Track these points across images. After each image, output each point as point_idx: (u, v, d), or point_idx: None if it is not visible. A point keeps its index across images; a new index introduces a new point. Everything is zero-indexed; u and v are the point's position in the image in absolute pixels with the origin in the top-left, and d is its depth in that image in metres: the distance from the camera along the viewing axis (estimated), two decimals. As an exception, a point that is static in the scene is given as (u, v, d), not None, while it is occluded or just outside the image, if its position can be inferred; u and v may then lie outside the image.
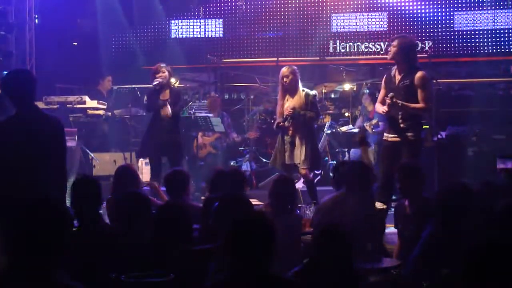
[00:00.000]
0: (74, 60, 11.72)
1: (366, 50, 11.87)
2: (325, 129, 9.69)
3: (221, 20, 12.60)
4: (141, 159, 10.18)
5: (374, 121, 9.51)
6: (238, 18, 12.43)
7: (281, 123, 7.58)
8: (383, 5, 11.96)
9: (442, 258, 3.79)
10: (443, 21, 11.75)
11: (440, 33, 11.81)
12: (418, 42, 11.73)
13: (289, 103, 7.57)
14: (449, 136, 9.83)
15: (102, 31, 12.25)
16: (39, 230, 2.79)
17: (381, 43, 11.66)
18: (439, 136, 9.31)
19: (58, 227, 2.85)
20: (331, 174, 7.91)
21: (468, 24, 11.68)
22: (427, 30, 11.83)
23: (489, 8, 11.55)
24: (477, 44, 11.61)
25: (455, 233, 3.97)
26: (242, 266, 3.00)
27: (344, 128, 9.35)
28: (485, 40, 11.59)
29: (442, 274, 3.65)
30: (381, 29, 11.89)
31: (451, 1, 11.71)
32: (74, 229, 4.04)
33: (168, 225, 4.02)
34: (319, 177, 9.21)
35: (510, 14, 11.51)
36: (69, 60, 11.69)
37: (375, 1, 11.97)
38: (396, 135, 6.71)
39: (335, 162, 9.13)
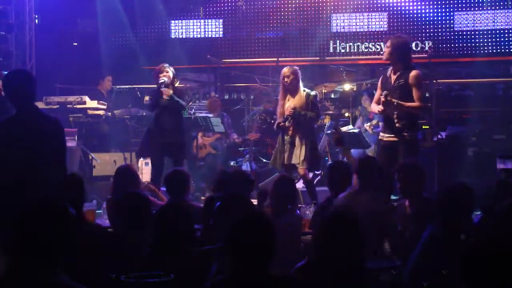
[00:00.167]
0: (74, 60, 11.72)
1: (366, 50, 11.87)
2: (325, 129, 9.69)
3: (221, 20, 12.60)
4: (141, 159, 10.19)
5: (374, 122, 9.52)
6: (238, 18, 12.43)
7: (282, 123, 7.58)
8: (383, 5, 11.96)
9: (442, 258, 3.79)
10: (443, 21, 11.76)
11: (440, 33, 11.81)
12: (418, 42, 11.75)
13: (290, 103, 7.57)
14: (449, 136, 9.84)
15: (102, 31, 12.26)
16: (41, 230, 2.79)
17: (381, 43, 11.65)
18: (439, 136, 9.32)
19: (59, 228, 2.84)
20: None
21: (468, 24, 11.68)
22: (427, 30, 11.83)
23: (489, 8, 11.55)
24: (477, 44, 11.61)
25: (455, 233, 3.97)
26: (242, 266, 3.00)
27: (344, 128, 9.34)
28: (485, 40, 11.59)
29: (442, 274, 3.65)
30: (381, 29, 11.89)
31: (451, 1, 11.71)
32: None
33: (169, 226, 4.02)
34: (319, 177, 9.21)
35: (510, 14, 11.51)
36: (69, 60, 11.69)
37: (375, 1, 11.97)
38: (391, 135, 6.74)
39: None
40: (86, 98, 10.52)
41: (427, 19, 11.80)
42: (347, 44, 12.02)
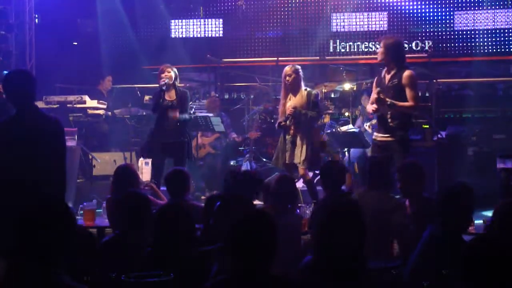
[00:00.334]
0: (74, 60, 11.72)
1: (366, 50, 11.87)
2: (325, 129, 9.69)
3: (221, 20, 12.60)
4: (141, 159, 10.18)
5: (374, 121, 9.50)
6: (238, 17, 12.43)
7: (283, 123, 7.58)
8: (383, 4, 11.96)
9: (442, 258, 3.79)
10: (443, 21, 11.76)
11: (440, 33, 11.81)
12: (418, 41, 11.76)
13: (291, 103, 7.57)
14: (449, 136, 9.84)
15: (102, 31, 12.26)
16: (41, 230, 2.78)
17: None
18: (439, 136, 9.32)
19: (60, 227, 2.84)
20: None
21: (468, 24, 11.68)
22: (427, 30, 11.83)
23: (489, 8, 11.55)
24: (477, 43, 11.61)
25: (455, 233, 3.97)
26: (243, 266, 2.99)
27: (344, 128, 9.35)
28: (485, 39, 11.59)
29: (442, 274, 3.64)
30: (381, 29, 11.88)
31: (451, 1, 11.71)
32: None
33: (170, 226, 4.02)
34: (319, 176, 9.19)
35: (510, 14, 11.51)
36: (69, 60, 11.69)
37: (375, 1, 11.97)
38: (385, 135, 6.76)
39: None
40: (86, 98, 10.53)
41: (427, 18, 11.80)
42: (347, 44, 12.02)
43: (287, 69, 7.66)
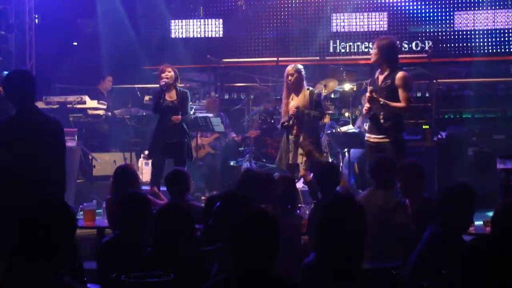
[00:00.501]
0: (74, 60, 11.72)
1: (366, 50, 11.87)
2: (325, 129, 9.68)
3: (221, 20, 12.60)
4: (141, 159, 10.20)
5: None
6: (238, 18, 12.43)
7: (286, 123, 7.58)
8: (383, 4, 11.97)
9: (442, 258, 3.79)
10: (443, 21, 11.76)
11: (440, 33, 11.82)
12: (418, 41, 11.76)
13: (294, 102, 7.57)
14: (449, 136, 9.83)
15: (102, 31, 12.25)
16: (42, 230, 2.78)
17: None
18: (439, 136, 9.31)
19: (60, 227, 2.84)
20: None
21: (468, 24, 11.68)
22: (427, 30, 11.84)
23: (489, 8, 11.55)
24: (477, 44, 11.61)
25: (455, 233, 3.97)
26: (245, 266, 2.98)
27: (344, 128, 9.34)
28: (485, 40, 11.60)
29: (442, 274, 3.64)
30: (381, 29, 11.89)
31: (451, 1, 11.71)
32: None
33: (170, 226, 4.02)
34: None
35: (510, 14, 11.51)
36: (69, 60, 11.69)
37: (375, 1, 11.97)
38: (379, 136, 6.77)
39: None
40: (86, 98, 10.53)
41: (427, 19, 11.81)
42: (347, 44, 12.02)
43: (289, 68, 7.66)
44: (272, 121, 9.89)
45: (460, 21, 11.72)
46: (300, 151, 7.52)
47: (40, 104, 9.19)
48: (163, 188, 7.15)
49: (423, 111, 10.55)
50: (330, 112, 10.58)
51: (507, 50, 11.55)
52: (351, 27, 12.03)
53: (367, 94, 6.74)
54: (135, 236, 4.25)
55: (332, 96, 11.34)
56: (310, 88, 7.71)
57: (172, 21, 12.71)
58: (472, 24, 11.65)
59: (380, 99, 6.64)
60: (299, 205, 6.31)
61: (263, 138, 10.15)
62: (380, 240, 4.89)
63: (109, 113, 10.71)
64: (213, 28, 12.64)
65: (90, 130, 10.50)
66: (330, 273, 3.24)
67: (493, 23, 11.55)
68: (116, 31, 12.22)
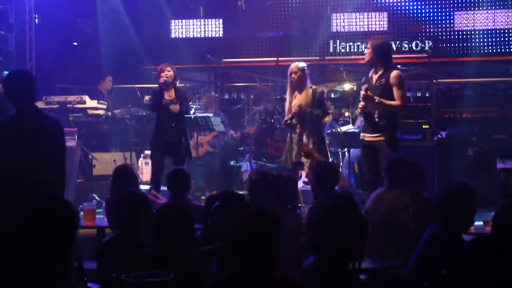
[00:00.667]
0: (74, 60, 11.72)
1: (366, 50, 11.85)
2: (325, 129, 9.67)
3: (221, 20, 12.60)
4: (141, 159, 10.20)
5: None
6: (238, 17, 12.43)
7: (288, 121, 7.58)
8: (383, 4, 11.96)
9: (442, 258, 3.79)
10: (443, 21, 11.76)
11: (440, 33, 11.81)
12: (418, 41, 11.76)
13: (296, 101, 7.58)
14: (449, 136, 9.83)
15: (102, 31, 12.25)
16: (43, 229, 2.78)
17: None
18: (439, 136, 9.31)
19: (69, 227, 2.84)
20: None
21: (468, 24, 11.68)
22: (427, 30, 11.83)
23: (489, 8, 11.55)
24: (477, 43, 11.61)
25: (455, 233, 3.97)
26: (242, 266, 2.98)
27: (344, 128, 9.34)
28: (485, 39, 11.59)
29: (442, 274, 3.64)
30: (381, 29, 11.89)
31: (451, 1, 11.71)
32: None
33: (169, 225, 4.02)
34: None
35: (510, 14, 11.50)
36: (69, 60, 11.69)
37: (375, 1, 11.97)
38: (373, 134, 6.79)
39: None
40: (86, 98, 10.53)
41: (427, 18, 11.80)
42: (347, 44, 12.02)
43: (293, 66, 7.67)
44: (272, 121, 9.88)
45: (460, 21, 11.72)
46: (306, 143, 7.50)
47: (40, 104, 9.19)
48: (164, 188, 7.15)
49: (423, 111, 10.55)
50: (330, 112, 10.59)
51: (507, 50, 11.55)
52: (351, 27, 12.03)
53: (362, 92, 6.77)
54: (135, 236, 4.25)
55: (332, 96, 11.34)
56: (313, 87, 7.70)
57: (172, 21, 12.71)
58: (472, 24, 11.65)
59: (375, 97, 6.67)
60: (299, 205, 6.30)
61: (263, 138, 10.14)
62: (389, 240, 4.88)
63: (109, 113, 10.71)
64: (213, 28, 12.64)
65: (90, 130, 10.50)
66: (330, 273, 3.24)
67: (493, 23, 11.55)
68: (116, 31, 12.22)
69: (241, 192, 5.69)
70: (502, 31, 11.54)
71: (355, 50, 11.95)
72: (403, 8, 11.87)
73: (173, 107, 7.94)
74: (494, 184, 8.34)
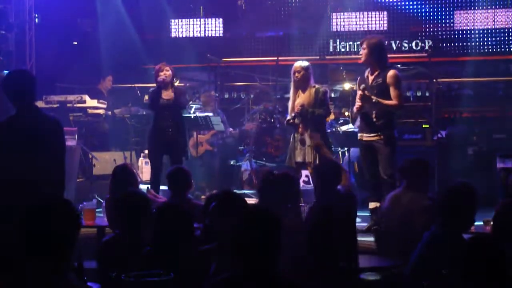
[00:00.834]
0: (74, 60, 11.71)
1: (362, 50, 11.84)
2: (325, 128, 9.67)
3: (221, 20, 12.60)
4: (141, 159, 10.19)
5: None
6: (238, 17, 12.43)
7: (291, 121, 7.58)
8: (383, 4, 11.97)
9: (442, 258, 3.79)
10: (443, 21, 11.76)
11: (440, 33, 11.81)
12: (418, 41, 11.76)
13: (299, 100, 7.58)
14: (449, 135, 9.84)
15: (102, 31, 12.25)
16: (44, 229, 2.78)
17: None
18: (439, 135, 9.32)
19: (69, 227, 2.84)
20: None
21: (468, 23, 11.68)
22: (427, 30, 11.83)
23: (489, 7, 11.54)
24: (477, 43, 11.60)
25: (455, 233, 3.97)
26: (242, 266, 2.98)
27: (344, 128, 9.34)
28: (485, 39, 11.59)
29: (442, 274, 3.65)
30: (381, 28, 11.88)
31: (451, 1, 11.72)
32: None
33: (169, 225, 4.02)
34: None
35: (510, 14, 11.50)
36: (69, 60, 11.68)
37: (375, 1, 11.97)
38: (371, 134, 6.79)
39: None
40: (86, 97, 10.53)
41: (427, 18, 11.81)
42: (347, 44, 12.02)
43: (296, 65, 7.67)
44: (272, 120, 9.88)
45: (460, 20, 11.72)
46: (307, 149, 7.49)
47: (40, 104, 9.18)
48: (164, 187, 7.15)
49: (423, 111, 10.55)
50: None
51: (507, 49, 11.55)
52: (351, 26, 12.03)
53: (359, 92, 6.77)
54: (135, 235, 4.25)
55: (332, 95, 11.34)
56: (316, 86, 7.69)
57: (172, 20, 12.71)
58: (472, 24, 11.65)
59: (373, 97, 6.67)
60: (299, 204, 6.29)
61: (263, 137, 10.14)
62: (404, 241, 4.85)
63: (109, 112, 10.71)
64: (213, 27, 12.64)
65: (90, 129, 10.50)
66: (330, 273, 3.24)
67: (493, 23, 11.55)
68: (116, 30, 12.21)
69: (240, 192, 5.70)
70: (502, 30, 11.54)
71: (355, 49, 11.93)
72: (403, 7, 11.87)
73: (166, 95, 7.90)
74: (494, 184, 8.34)
